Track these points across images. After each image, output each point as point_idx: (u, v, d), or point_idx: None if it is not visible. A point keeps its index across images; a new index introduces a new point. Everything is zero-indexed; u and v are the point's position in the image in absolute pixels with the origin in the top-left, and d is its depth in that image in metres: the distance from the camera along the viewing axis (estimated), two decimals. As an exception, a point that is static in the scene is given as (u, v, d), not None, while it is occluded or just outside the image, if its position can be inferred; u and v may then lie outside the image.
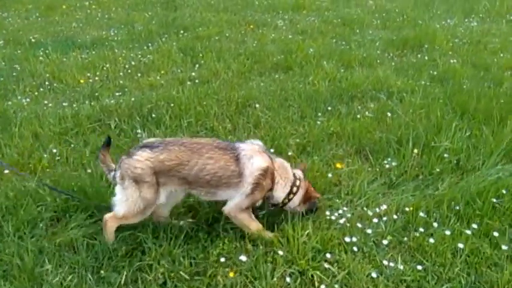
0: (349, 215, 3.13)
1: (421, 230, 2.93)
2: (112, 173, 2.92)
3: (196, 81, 5.96)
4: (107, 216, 2.88)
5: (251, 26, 8.96)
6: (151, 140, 2.96)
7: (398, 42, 7.30)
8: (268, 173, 2.85)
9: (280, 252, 2.75)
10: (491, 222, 2.96)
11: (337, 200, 3.37)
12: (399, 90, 5.28)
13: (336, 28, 8.53)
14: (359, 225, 2.99)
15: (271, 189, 2.94)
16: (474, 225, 2.89)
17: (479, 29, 8.05)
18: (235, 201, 2.85)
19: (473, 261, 2.69)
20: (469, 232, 2.84)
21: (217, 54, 7.01)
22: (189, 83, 5.86)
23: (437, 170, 3.58)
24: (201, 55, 7.04)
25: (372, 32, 8.22)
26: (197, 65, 6.66)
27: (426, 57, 6.54)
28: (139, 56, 7.18)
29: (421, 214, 3.05)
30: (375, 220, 3.04)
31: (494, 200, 3.14)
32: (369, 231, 2.95)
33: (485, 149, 3.78)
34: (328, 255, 2.74)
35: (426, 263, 2.69)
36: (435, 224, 2.97)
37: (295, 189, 2.98)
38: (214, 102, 5.12)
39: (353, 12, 9.73)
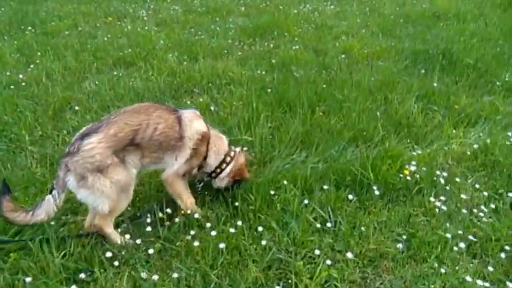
0: (125, 225, 2.99)
1: (192, 232, 2.87)
2: (49, 196, 2.63)
3: (23, 84, 5.43)
4: (97, 221, 2.76)
5: (110, 18, 8.45)
6: (84, 128, 2.73)
7: (252, 30, 7.30)
8: (205, 138, 2.96)
9: (28, 279, 2.52)
10: (262, 216, 2.99)
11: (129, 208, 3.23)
12: (231, 82, 5.24)
13: (197, 17, 8.34)
14: (128, 236, 2.85)
15: (205, 157, 3.03)
16: (239, 222, 2.89)
17: (332, 13, 8.33)
18: (173, 167, 2.90)
19: (232, 261, 2.68)
20: (232, 230, 2.83)
21: (57, 52, 6.49)
22: (12, 86, 5.33)
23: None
24: (39, 54, 6.46)
25: (232, 20, 8.15)
26: (32, 66, 6.09)
27: (272, 45, 6.59)
28: (-33, 59, 6.41)
29: (196, 215, 2.99)
30: (148, 229, 2.91)
31: (272, 193, 3.17)
32: (139, 241, 2.83)
33: (284, 139, 3.83)
34: (82, 275, 2.57)
35: (183, 268, 2.62)
36: (208, 225, 2.93)
37: (228, 158, 3.10)
38: (29, 108, 4.70)
39: (220, 0, 9.60)
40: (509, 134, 4.00)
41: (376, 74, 5.36)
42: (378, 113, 4.25)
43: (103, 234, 2.82)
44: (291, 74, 5.43)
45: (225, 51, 6.48)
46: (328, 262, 2.65)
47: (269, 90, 4.98)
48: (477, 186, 3.35)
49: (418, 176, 3.38)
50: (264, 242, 2.76)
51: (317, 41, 6.72)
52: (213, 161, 3.09)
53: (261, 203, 3.08)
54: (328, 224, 2.94)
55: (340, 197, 3.18)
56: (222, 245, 2.73)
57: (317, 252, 2.72)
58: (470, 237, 2.83)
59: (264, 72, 5.57)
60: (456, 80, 5.09)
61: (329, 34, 7.04)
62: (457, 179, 3.42)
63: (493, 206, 3.15)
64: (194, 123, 2.93)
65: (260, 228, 2.87)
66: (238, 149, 3.23)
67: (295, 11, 8.41)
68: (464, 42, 5.99)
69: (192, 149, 2.90)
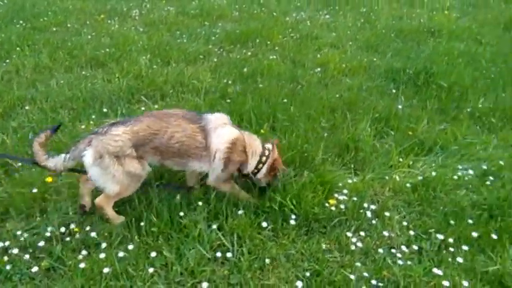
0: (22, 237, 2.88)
1: (84, 252, 2.74)
2: (63, 155, 2.84)
3: (-10, 80, 5.45)
4: (99, 201, 2.91)
5: (101, 16, 8.45)
6: (118, 119, 3.05)
7: (237, 36, 7.13)
8: (237, 145, 2.98)
9: None
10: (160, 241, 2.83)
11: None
12: (192, 90, 5.10)
13: (187, 20, 8.24)
14: (16, 250, 2.74)
15: (245, 160, 3.07)
16: (130, 246, 2.73)
17: (324, 23, 8.08)
18: (214, 175, 3.03)
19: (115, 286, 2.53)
20: (121, 254, 2.67)
21: (36, 48, 6.51)
22: (-23, 82, 5.35)
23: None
24: (18, 49, 6.49)
25: (222, 25, 8.01)
26: (7, 61, 6.12)
27: (249, 53, 6.41)
28: None
29: (93, 234, 2.85)
30: (41, 243, 2.79)
31: (182, 214, 3.00)
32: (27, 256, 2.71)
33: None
34: None
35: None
36: (104, 245, 2.78)
37: (264, 159, 3.13)
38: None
39: (218, 3, 9.47)
40: (460, 166, 3.70)
41: (346, 91, 5.11)
42: (325, 134, 4.01)
43: (102, 214, 2.95)
44: (256, 85, 5.25)
45: (201, 57, 6.35)
46: (214, 297, 2.47)
47: (228, 100, 4.83)
48: (405, 223, 3.09)
49: (343, 206, 3.15)
50: (151, 270, 2.60)
51: (297, 52, 6.49)
52: (252, 163, 3.12)
53: (165, 225, 2.92)
54: (228, 254, 2.76)
55: (253, 223, 2.98)
56: (106, 270, 2.58)
57: (204, 285, 2.54)
58: (374, 281, 2.58)
59: (230, 82, 5.40)
60: (426, 103, 4.78)
61: (312, 45, 6.81)
62: (387, 213, 3.16)
63: (415, 247, 2.88)
64: (220, 131, 2.96)
65: (153, 254, 2.71)
66: (270, 145, 3.20)
67: (287, 19, 8.19)
68: (447, 62, 5.65)
69: (224, 159, 2.94)
